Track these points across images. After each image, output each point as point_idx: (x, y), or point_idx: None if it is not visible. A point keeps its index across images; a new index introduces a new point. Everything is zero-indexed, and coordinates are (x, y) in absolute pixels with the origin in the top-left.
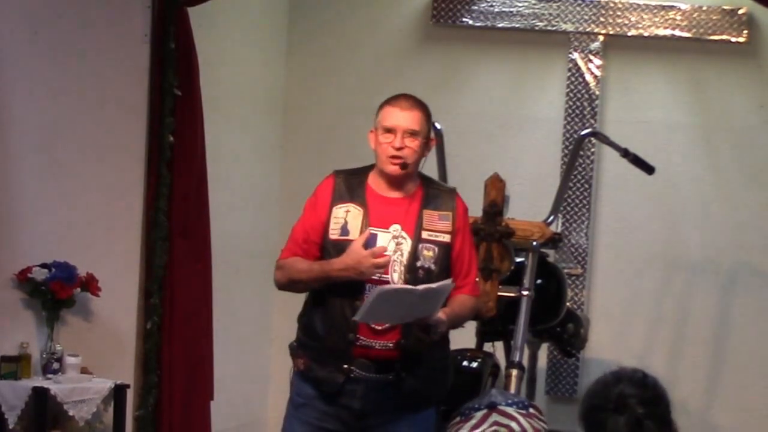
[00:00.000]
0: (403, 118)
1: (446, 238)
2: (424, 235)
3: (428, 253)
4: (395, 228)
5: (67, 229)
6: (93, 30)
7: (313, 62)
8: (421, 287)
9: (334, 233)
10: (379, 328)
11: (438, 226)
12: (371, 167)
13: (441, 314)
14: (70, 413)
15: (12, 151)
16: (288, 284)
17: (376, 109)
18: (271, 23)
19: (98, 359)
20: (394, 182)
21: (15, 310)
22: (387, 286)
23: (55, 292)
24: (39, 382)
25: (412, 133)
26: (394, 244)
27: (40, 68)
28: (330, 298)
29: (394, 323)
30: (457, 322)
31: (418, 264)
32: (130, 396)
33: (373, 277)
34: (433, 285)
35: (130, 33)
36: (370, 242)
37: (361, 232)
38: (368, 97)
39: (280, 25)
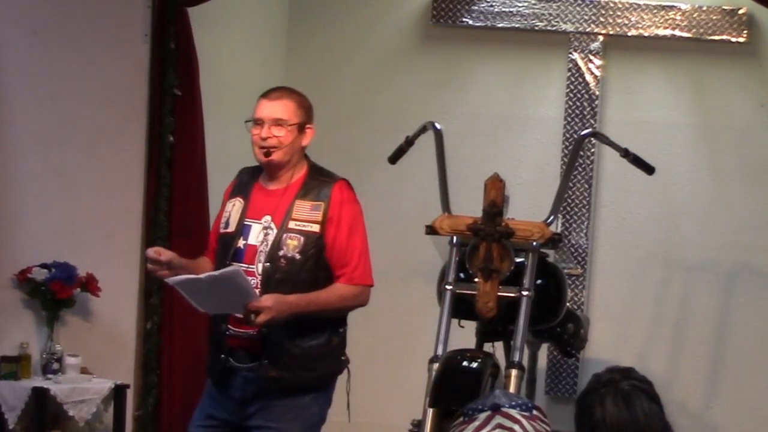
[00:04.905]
0: (268, 108)
1: (314, 227)
2: (291, 224)
3: (292, 243)
4: (266, 219)
5: (67, 229)
6: (93, 30)
7: (313, 62)
8: (203, 275)
9: (222, 226)
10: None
11: (307, 216)
12: None
13: (267, 300)
14: (70, 413)
15: (12, 151)
16: None
17: (376, 109)
18: (271, 23)
19: (98, 359)
20: (274, 174)
21: (15, 310)
22: (175, 277)
23: (55, 292)
24: (39, 382)
25: (278, 122)
26: (263, 234)
27: (40, 68)
28: None
29: (229, 312)
30: (319, 307)
31: (280, 253)
32: (130, 396)
33: (240, 267)
34: (216, 272)
35: (130, 33)
36: (243, 232)
37: (237, 224)
38: (368, 97)
39: (280, 25)
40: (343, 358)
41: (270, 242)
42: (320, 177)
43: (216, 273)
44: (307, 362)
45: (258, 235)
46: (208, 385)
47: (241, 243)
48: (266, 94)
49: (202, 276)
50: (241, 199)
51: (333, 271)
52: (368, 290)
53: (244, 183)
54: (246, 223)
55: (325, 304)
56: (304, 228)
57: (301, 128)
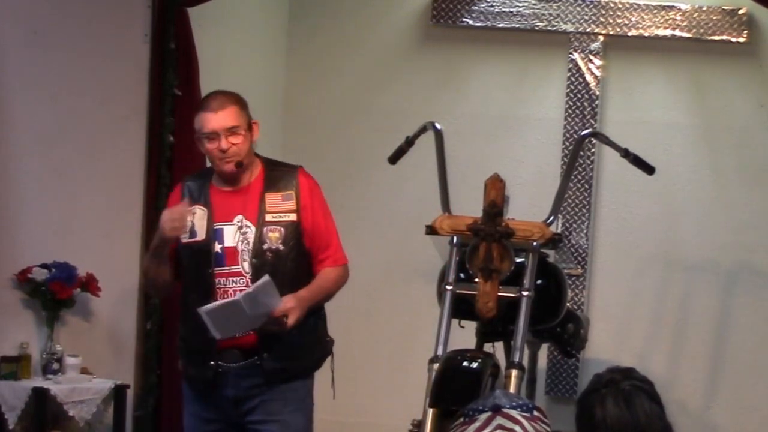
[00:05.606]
0: (218, 119)
1: (292, 216)
2: (268, 218)
3: (274, 235)
4: (238, 219)
5: (67, 229)
6: (93, 30)
7: (313, 62)
8: (239, 295)
9: (184, 237)
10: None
11: (282, 207)
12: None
13: (289, 301)
14: (70, 413)
15: (12, 151)
16: (148, 284)
17: (376, 109)
18: (271, 23)
19: (98, 359)
20: (233, 176)
21: (15, 310)
22: (209, 305)
23: (55, 292)
24: (39, 382)
25: (233, 130)
26: (240, 234)
27: (40, 68)
28: (186, 300)
29: (249, 330)
30: (322, 295)
31: (265, 247)
32: (130, 396)
33: (223, 271)
34: (250, 289)
35: (130, 33)
36: (217, 237)
37: (207, 230)
38: (368, 97)
39: (280, 25)
40: (328, 339)
41: (251, 240)
42: (279, 168)
43: (250, 289)
44: (303, 349)
45: (234, 236)
46: (189, 392)
47: (217, 248)
48: (207, 107)
49: (238, 297)
50: (201, 207)
51: (315, 255)
52: (348, 267)
53: (196, 191)
54: (216, 227)
55: (326, 291)
56: (282, 219)
57: (249, 128)
